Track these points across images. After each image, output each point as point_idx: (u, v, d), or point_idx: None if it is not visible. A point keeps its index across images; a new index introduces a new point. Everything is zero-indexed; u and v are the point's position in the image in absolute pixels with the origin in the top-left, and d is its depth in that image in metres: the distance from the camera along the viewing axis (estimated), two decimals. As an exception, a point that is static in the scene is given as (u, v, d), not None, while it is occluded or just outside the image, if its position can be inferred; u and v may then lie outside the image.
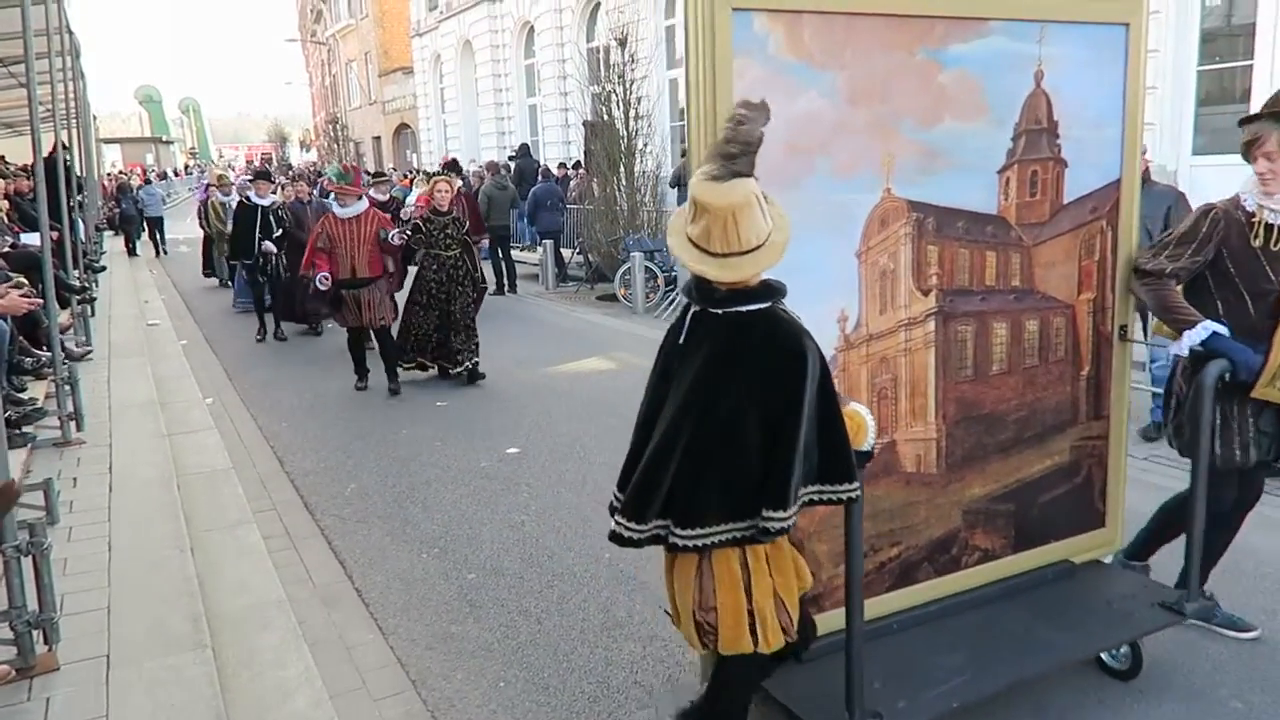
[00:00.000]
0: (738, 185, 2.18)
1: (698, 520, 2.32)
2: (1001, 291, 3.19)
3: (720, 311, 2.31)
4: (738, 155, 2.17)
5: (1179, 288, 3.26)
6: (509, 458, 6.02)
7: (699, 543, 2.32)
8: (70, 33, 10.02)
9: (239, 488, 5.34)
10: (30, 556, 3.04)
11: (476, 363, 8.01)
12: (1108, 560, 3.63)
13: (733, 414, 2.28)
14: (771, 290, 2.31)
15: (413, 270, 8.60)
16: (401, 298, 8.24)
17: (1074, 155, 3.23)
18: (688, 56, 2.53)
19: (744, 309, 2.29)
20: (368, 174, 13.42)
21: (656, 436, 2.40)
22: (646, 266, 11.60)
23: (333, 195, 7.98)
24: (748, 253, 2.22)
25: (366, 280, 7.60)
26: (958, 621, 3.13)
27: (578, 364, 8.77)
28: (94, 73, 24.55)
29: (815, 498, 2.34)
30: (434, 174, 9.81)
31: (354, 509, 5.26)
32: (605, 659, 3.58)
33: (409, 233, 7.95)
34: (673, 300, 11.36)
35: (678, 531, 2.34)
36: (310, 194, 11.59)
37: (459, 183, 10.60)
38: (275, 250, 10.18)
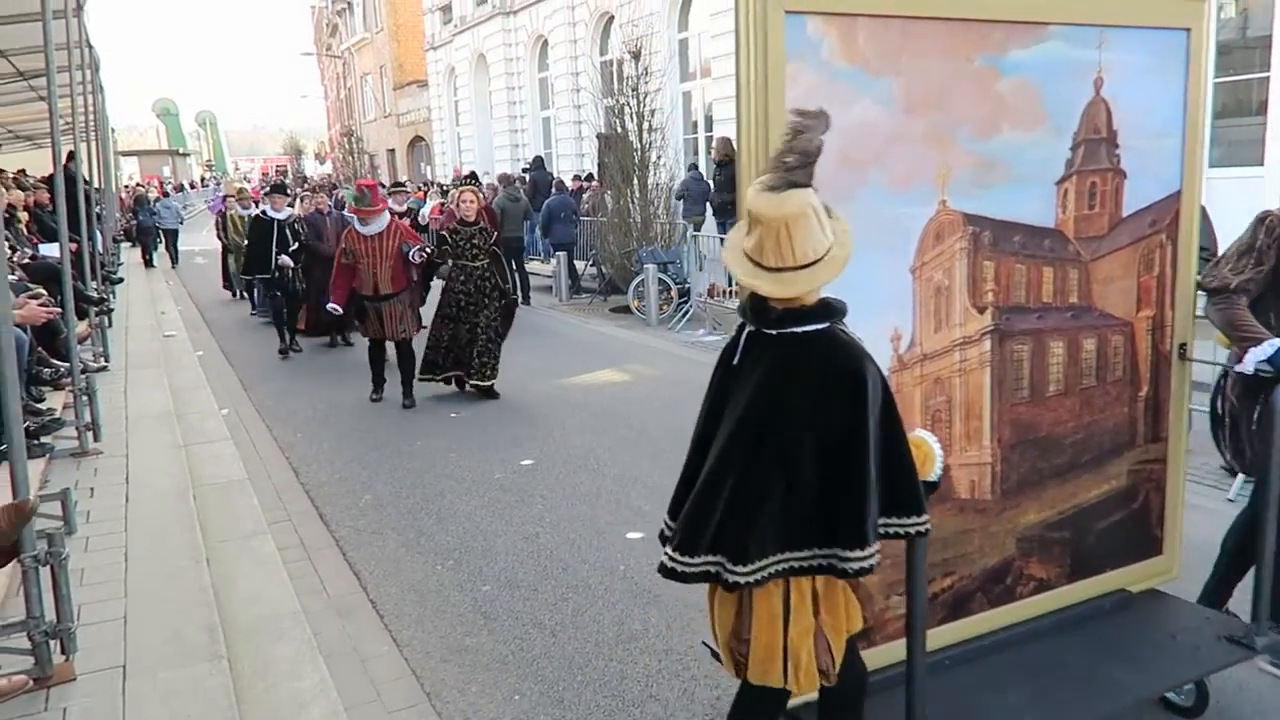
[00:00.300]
0: (793, 196, 2.06)
1: (752, 554, 2.17)
2: (1059, 309, 3.06)
3: (775, 332, 2.18)
4: (795, 166, 2.07)
5: (1246, 303, 3.11)
6: (523, 469, 6.02)
7: (756, 577, 2.17)
8: (90, 47, 10.13)
9: (254, 498, 5.35)
10: (48, 566, 3.05)
11: (491, 384, 7.88)
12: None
13: (787, 442, 2.15)
14: (830, 310, 2.17)
15: (437, 285, 8.60)
16: (429, 312, 8.26)
17: (1134, 166, 3.11)
18: (738, 61, 2.43)
19: (800, 329, 2.15)
20: (383, 186, 13.45)
21: (708, 464, 2.27)
22: (660, 278, 11.61)
23: (355, 217, 7.95)
24: (803, 267, 2.09)
25: (390, 295, 7.64)
26: (1014, 656, 2.97)
27: (591, 376, 8.77)
28: (112, 86, 24.91)
29: (880, 530, 2.20)
30: (456, 184, 9.79)
31: (369, 520, 5.27)
32: (620, 673, 3.56)
33: (431, 247, 7.96)
34: (687, 312, 11.36)
35: (732, 568, 2.18)
36: (329, 206, 11.50)
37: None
38: (292, 264, 10.11)
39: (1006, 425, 3.01)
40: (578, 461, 6.11)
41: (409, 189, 15.14)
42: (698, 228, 12.85)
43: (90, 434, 5.67)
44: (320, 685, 3.38)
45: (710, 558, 2.22)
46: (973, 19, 2.73)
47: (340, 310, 7.90)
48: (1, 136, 15.65)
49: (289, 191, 11.83)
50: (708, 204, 13.62)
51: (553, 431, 6.87)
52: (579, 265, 14.54)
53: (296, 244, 10.19)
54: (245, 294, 14.08)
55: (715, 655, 2.51)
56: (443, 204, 14.48)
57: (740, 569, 2.17)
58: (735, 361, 2.30)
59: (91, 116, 11.84)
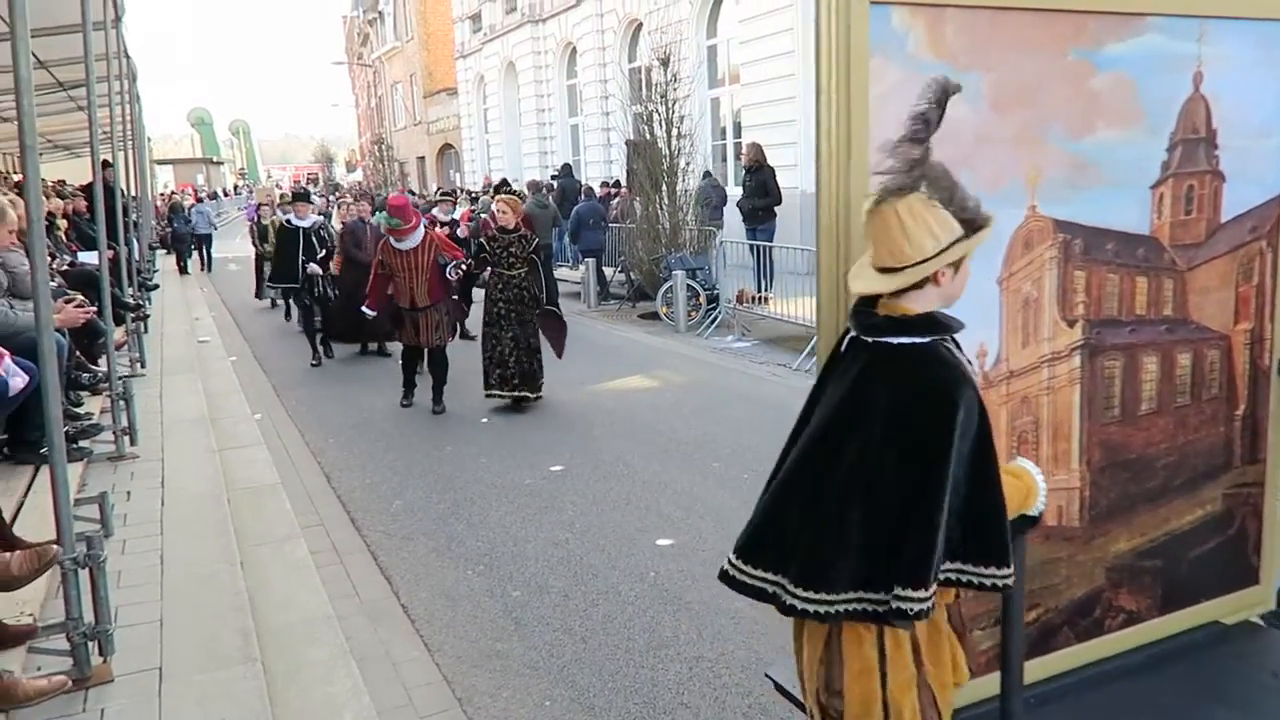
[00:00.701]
0: (887, 193, 1.98)
1: (819, 581, 1.99)
2: (1152, 322, 2.85)
3: (870, 340, 2.03)
4: (900, 169, 1.99)
5: None
6: (552, 475, 6.02)
7: (819, 609, 1.99)
8: (127, 57, 10.30)
9: (287, 503, 5.40)
10: (87, 569, 3.09)
11: (527, 397, 7.72)
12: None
13: (864, 461, 1.98)
14: (935, 324, 2.00)
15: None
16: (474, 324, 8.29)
17: (1234, 168, 2.89)
18: (818, 56, 2.29)
19: (895, 340, 2.00)
20: (412, 193, 13.38)
21: (784, 468, 2.14)
22: (688, 285, 11.59)
23: (390, 236, 7.83)
24: (884, 270, 1.98)
25: (425, 307, 7.68)
26: (1104, 695, 2.76)
27: (620, 382, 8.77)
28: (148, 96, 25.36)
29: (955, 577, 2.01)
30: (498, 190, 9.71)
31: (400, 525, 5.29)
32: (651, 679, 3.55)
33: (469, 260, 7.98)
34: (715, 319, 11.33)
35: (793, 590, 2.02)
36: (372, 215, 11.28)
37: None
38: (321, 271, 10.07)
39: (1096, 447, 2.81)
40: (607, 467, 6.11)
41: (456, 196, 14.82)
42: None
43: (127, 438, 5.74)
44: (353, 689, 3.39)
45: (770, 575, 2.09)
46: (1066, 10, 2.55)
47: (374, 313, 7.91)
48: (40, 146, 15.94)
49: (313, 199, 11.86)
50: (724, 210, 13.59)
51: (582, 437, 6.87)
52: (607, 271, 14.56)
53: (324, 251, 10.15)
54: (279, 301, 14.17)
55: (782, 691, 2.40)
56: (472, 211, 14.57)
57: (802, 593, 2.01)
58: (833, 366, 2.18)
59: (129, 126, 12.03)
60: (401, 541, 5.06)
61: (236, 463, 6.04)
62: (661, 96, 12.77)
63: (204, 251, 21.45)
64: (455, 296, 8.39)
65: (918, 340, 2.00)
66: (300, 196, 11.22)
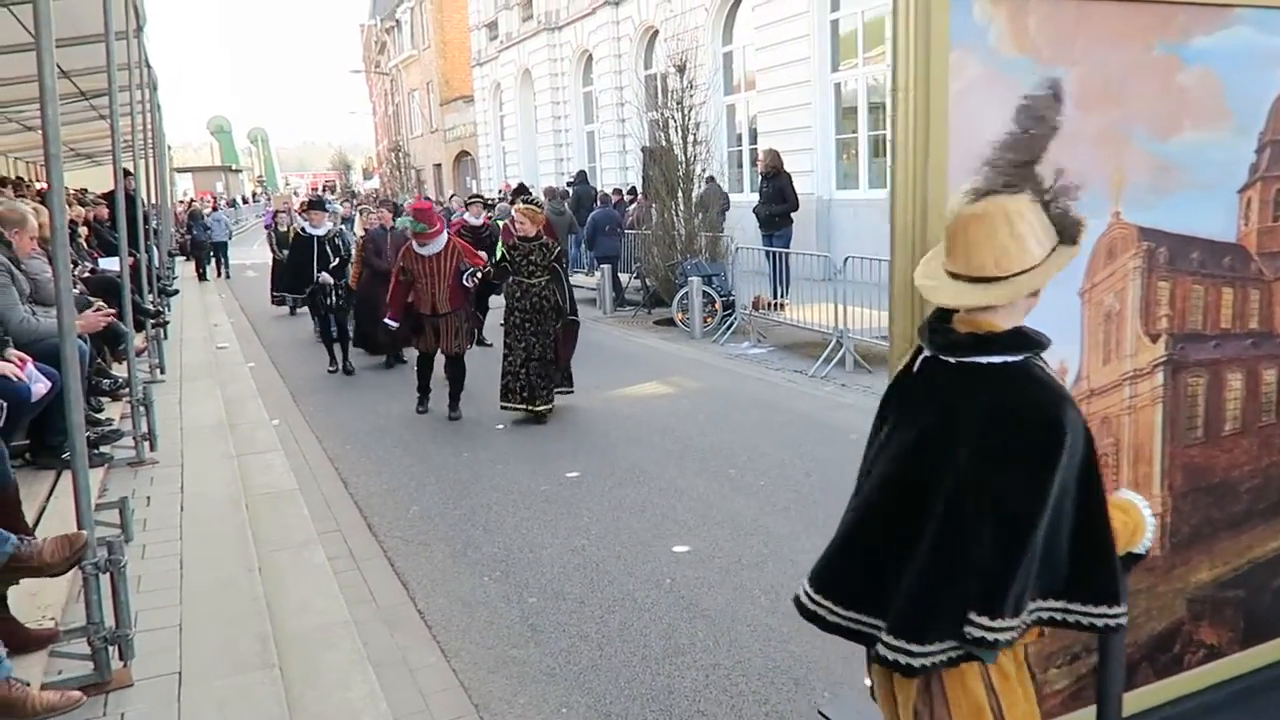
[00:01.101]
0: (1002, 199, 1.81)
1: (918, 631, 1.82)
2: (1237, 335, 2.69)
3: (954, 360, 1.86)
4: (1009, 167, 1.84)
5: None
6: (568, 481, 6.02)
7: (920, 662, 1.82)
8: (148, 66, 10.39)
9: (304, 508, 5.42)
10: (108, 574, 3.11)
11: (549, 409, 7.55)
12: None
13: (953, 495, 1.80)
14: (1026, 341, 1.84)
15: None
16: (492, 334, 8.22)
17: None
18: (895, 50, 2.18)
19: (985, 360, 1.83)
20: (439, 203, 13.22)
21: (860, 501, 2.00)
22: (704, 291, 11.59)
23: (414, 241, 7.75)
24: (979, 280, 1.79)
25: (446, 313, 7.66)
26: None
27: (635, 388, 8.77)
28: (168, 104, 25.68)
29: (1059, 617, 1.85)
30: (516, 197, 9.62)
31: (416, 530, 5.31)
32: (668, 687, 3.54)
33: (488, 267, 7.96)
34: (731, 325, 11.32)
35: (891, 641, 1.84)
36: (392, 222, 10.94)
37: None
38: (332, 280, 9.82)
39: (1178, 470, 2.65)
40: (623, 474, 6.11)
41: (485, 199, 14.45)
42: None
43: (147, 444, 5.78)
44: (370, 695, 3.40)
45: (858, 615, 1.93)
46: (1155, 0, 2.39)
47: (396, 324, 7.83)
48: (63, 154, 16.09)
49: (330, 207, 11.62)
50: (726, 214, 13.60)
51: (597, 444, 6.88)
52: (623, 278, 14.58)
53: (337, 260, 9.94)
54: (297, 310, 13.86)
55: None
56: (490, 218, 14.58)
57: (902, 644, 1.83)
58: (905, 390, 2.01)
59: (149, 134, 12.14)
60: (418, 547, 5.07)
61: (254, 468, 6.08)
62: (678, 103, 12.77)
63: (220, 258, 21.68)
64: (471, 299, 8.35)
65: (1010, 359, 1.83)
66: (316, 204, 11.01)
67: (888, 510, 1.92)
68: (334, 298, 9.90)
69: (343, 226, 12.51)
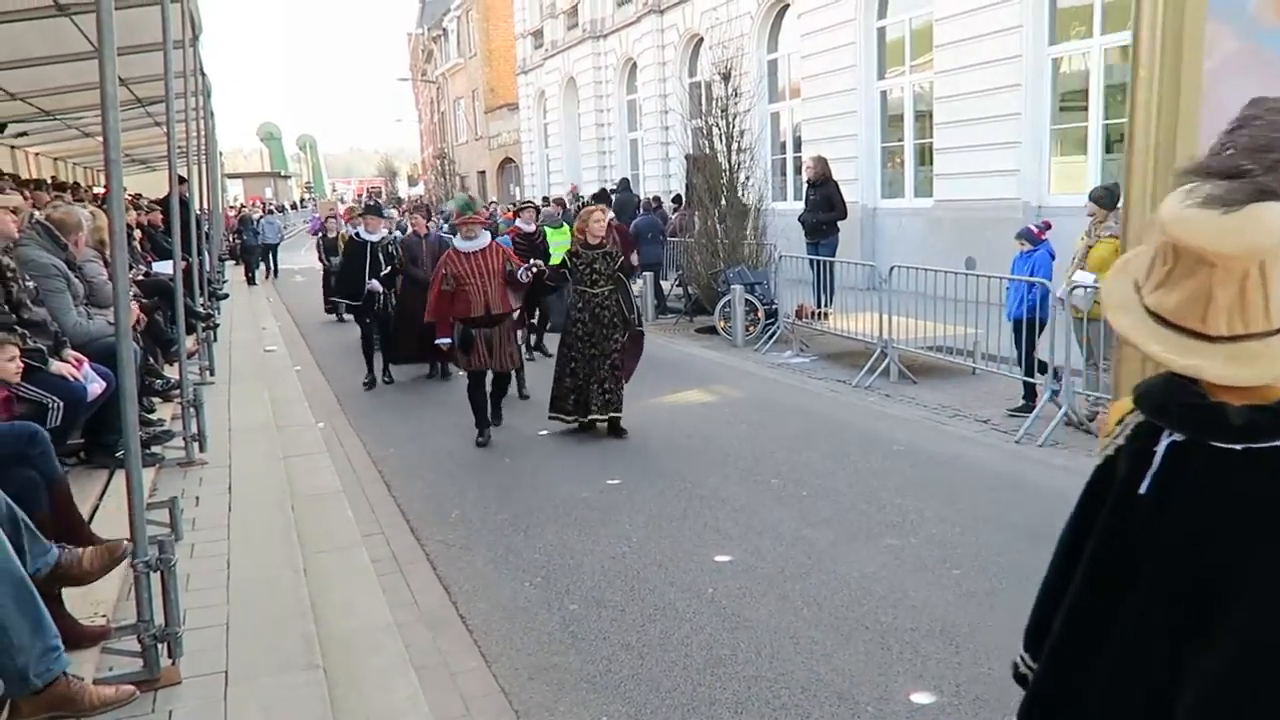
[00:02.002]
0: (1264, 214, 1.26)
1: None
2: None
3: (1239, 448, 1.32)
4: (1270, 168, 1.29)
5: None
6: (609, 488, 6.01)
7: None
8: (203, 74, 10.60)
9: (348, 511, 5.48)
10: (159, 572, 3.16)
11: (617, 417, 7.21)
12: None
13: (1272, 635, 1.32)
14: None
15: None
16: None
17: None
18: (1137, 25, 1.86)
19: None
20: (488, 213, 12.67)
21: (1119, 639, 1.46)
22: (746, 299, 11.53)
23: (457, 232, 7.43)
24: (1255, 336, 1.29)
25: (502, 316, 7.08)
26: None
27: (677, 396, 8.75)
28: (220, 111, 26.34)
29: None
30: (585, 203, 9.28)
31: (458, 535, 5.33)
32: (709, 698, 3.51)
33: (543, 267, 7.40)
34: (774, 334, 11.24)
35: None
36: (427, 228, 10.55)
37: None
38: (382, 289, 9.51)
39: None
40: (664, 482, 6.09)
41: (537, 204, 13.94)
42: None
43: (196, 444, 5.88)
44: (411, 699, 3.42)
45: None
46: None
47: (450, 342, 7.11)
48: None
49: (383, 213, 11.32)
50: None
51: (639, 451, 6.86)
52: (665, 285, 14.57)
53: (389, 268, 9.57)
54: (345, 316, 13.20)
55: None
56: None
57: None
58: (1145, 489, 1.41)
59: (203, 141, 12.38)
60: (460, 551, 5.09)
61: (301, 470, 6.15)
62: (722, 111, 12.76)
63: (271, 259, 22.81)
64: (521, 308, 7.83)
65: None
66: (372, 209, 10.56)
67: (1161, 654, 1.42)
68: (381, 306, 9.58)
69: (396, 233, 12.25)
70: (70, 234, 5.48)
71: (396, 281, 9.63)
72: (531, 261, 7.29)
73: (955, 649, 3.79)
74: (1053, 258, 7.61)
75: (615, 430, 7.19)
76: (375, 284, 9.50)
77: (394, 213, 14.61)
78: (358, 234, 10.06)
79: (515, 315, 7.43)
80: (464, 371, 7.34)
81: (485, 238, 7.22)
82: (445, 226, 14.01)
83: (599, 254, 7.15)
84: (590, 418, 7.16)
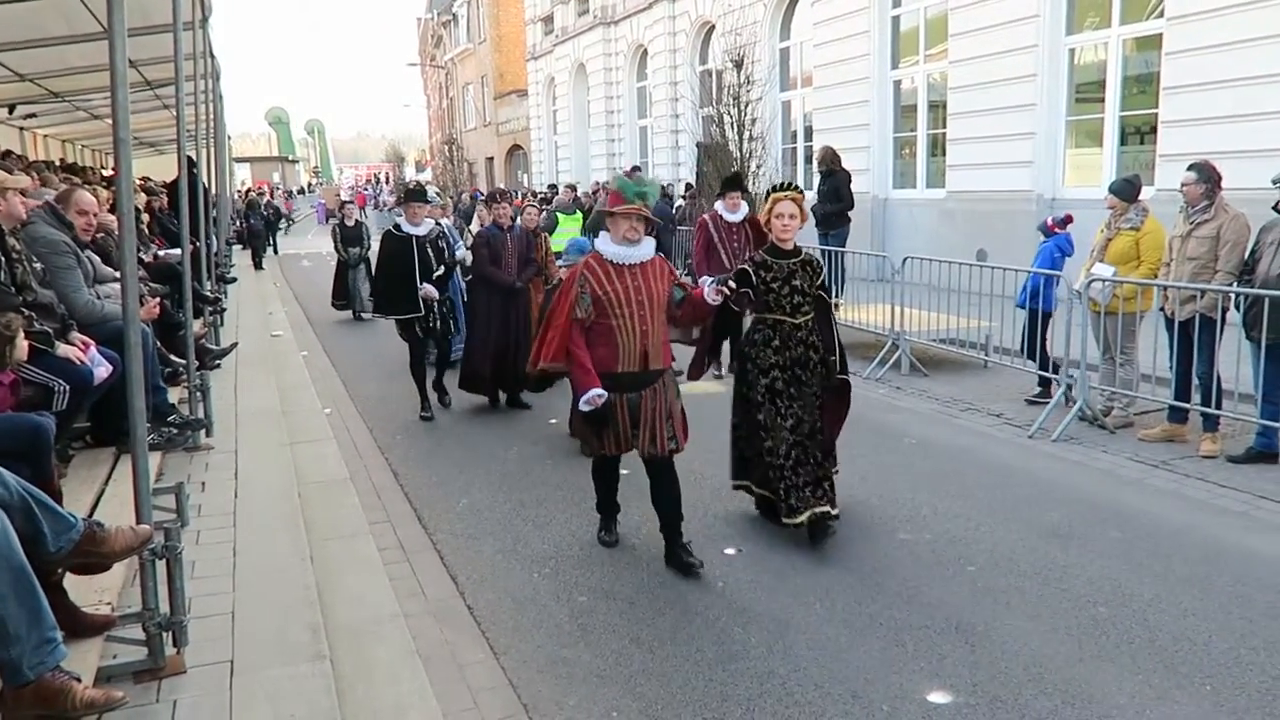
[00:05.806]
0: None
1: None
2: None
3: None
4: None
5: None
6: (620, 479, 5.94)
7: None
8: (212, 57, 10.54)
9: (355, 498, 5.44)
10: (164, 560, 3.11)
11: (834, 516, 4.79)
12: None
13: None
14: None
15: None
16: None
17: None
18: None
19: None
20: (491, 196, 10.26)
21: None
22: (757, 289, 11.42)
23: (600, 230, 4.84)
24: None
25: (657, 374, 4.57)
26: None
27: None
28: (228, 95, 26.24)
29: None
30: (784, 189, 5.02)
31: (466, 524, 5.28)
32: (720, 694, 3.46)
33: (729, 282, 4.49)
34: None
35: None
36: (513, 220, 8.08)
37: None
38: (436, 295, 7.58)
39: None
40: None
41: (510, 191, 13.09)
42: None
43: (203, 430, 5.84)
44: (419, 691, 3.38)
45: None
46: None
47: (605, 397, 4.41)
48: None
49: (428, 199, 8.69)
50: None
51: (648, 442, 6.78)
52: (674, 274, 14.48)
53: (441, 268, 7.71)
54: (364, 315, 12.84)
55: None
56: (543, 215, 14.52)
57: None
58: None
59: (211, 124, 12.32)
60: (468, 541, 5.04)
61: (307, 457, 6.11)
62: (734, 99, 12.68)
63: (274, 237, 23.96)
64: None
65: None
66: (415, 195, 8.00)
67: None
68: (434, 318, 7.68)
69: (445, 223, 10.24)
70: (72, 210, 5.42)
71: (449, 283, 8.02)
72: (721, 277, 4.90)
73: (971, 647, 3.73)
74: (1063, 253, 7.57)
75: (821, 532, 4.75)
76: (430, 288, 7.53)
77: (435, 196, 11.77)
78: (398, 227, 7.79)
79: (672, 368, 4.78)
80: (591, 455, 4.99)
81: (648, 246, 4.55)
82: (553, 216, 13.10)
83: (796, 265, 4.87)
84: (810, 512, 4.72)
